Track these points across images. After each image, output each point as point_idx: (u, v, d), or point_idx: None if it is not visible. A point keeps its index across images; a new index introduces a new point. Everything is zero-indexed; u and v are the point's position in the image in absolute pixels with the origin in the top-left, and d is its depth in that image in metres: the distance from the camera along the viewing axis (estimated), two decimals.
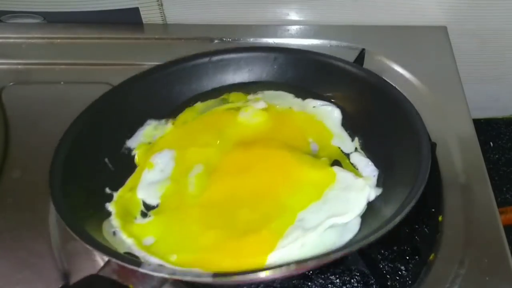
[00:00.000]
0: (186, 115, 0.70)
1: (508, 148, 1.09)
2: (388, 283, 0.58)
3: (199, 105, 0.72)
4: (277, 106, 0.69)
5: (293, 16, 0.87)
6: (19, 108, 0.75)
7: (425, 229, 0.61)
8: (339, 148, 0.65)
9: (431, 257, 0.60)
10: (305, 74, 0.70)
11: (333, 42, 0.83)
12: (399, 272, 0.58)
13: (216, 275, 0.43)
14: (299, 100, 0.70)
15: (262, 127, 0.67)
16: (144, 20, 0.86)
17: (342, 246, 0.52)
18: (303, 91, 0.70)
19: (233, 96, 0.72)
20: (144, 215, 0.59)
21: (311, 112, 0.69)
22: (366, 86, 0.65)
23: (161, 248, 0.54)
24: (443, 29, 0.85)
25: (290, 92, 0.71)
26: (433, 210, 0.62)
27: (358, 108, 0.66)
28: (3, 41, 0.83)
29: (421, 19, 0.85)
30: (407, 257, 0.59)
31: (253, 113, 0.67)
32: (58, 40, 0.84)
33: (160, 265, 0.46)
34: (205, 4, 0.84)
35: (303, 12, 0.86)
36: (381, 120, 0.63)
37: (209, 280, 0.43)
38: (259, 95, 0.72)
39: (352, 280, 0.58)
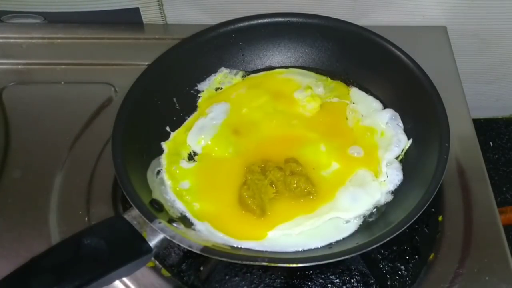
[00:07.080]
0: (259, 77, 0.73)
1: (508, 148, 1.09)
2: (388, 283, 0.58)
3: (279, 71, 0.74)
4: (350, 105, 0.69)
5: None
6: (19, 108, 0.75)
7: (425, 229, 0.62)
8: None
9: (431, 257, 0.60)
10: None
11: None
12: (399, 272, 0.58)
13: (204, 249, 0.49)
14: (379, 107, 0.68)
15: (311, 111, 0.68)
16: (145, 20, 0.86)
17: (347, 250, 0.52)
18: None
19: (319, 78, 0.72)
20: (190, 159, 0.65)
21: (378, 125, 0.66)
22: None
23: (191, 194, 0.60)
24: (443, 29, 0.85)
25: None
26: (433, 210, 0.63)
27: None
28: (3, 41, 0.83)
29: (421, 19, 0.85)
30: (407, 257, 0.59)
31: (307, 97, 0.68)
32: (59, 40, 0.84)
33: (165, 227, 0.51)
34: (205, 4, 0.84)
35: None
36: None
37: (197, 251, 0.49)
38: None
39: (352, 280, 0.58)
